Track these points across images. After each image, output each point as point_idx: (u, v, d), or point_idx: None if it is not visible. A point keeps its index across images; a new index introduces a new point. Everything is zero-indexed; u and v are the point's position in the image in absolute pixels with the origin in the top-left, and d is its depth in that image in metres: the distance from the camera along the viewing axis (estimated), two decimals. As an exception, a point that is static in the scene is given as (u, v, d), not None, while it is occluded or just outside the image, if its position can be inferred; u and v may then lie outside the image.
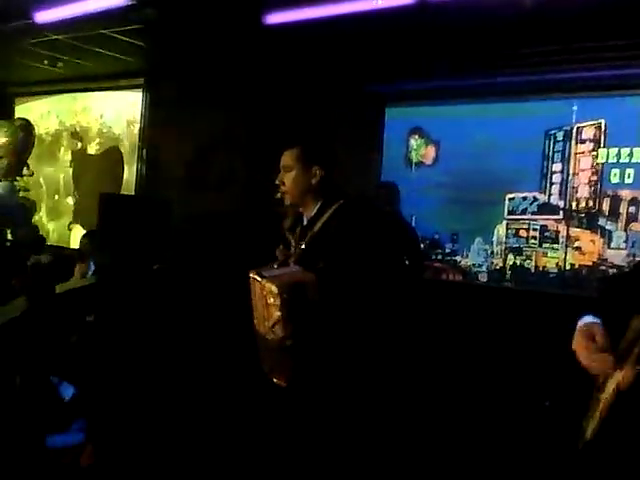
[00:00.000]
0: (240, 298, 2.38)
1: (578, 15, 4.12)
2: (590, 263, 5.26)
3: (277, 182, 2.39)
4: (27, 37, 5.60)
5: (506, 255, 5.66)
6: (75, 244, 6.69)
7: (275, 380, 2.17)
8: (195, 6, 4.67)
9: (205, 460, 3.28)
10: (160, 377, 3.56)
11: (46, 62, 6.37)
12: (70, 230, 7.55)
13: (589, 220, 5.29)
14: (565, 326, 1.62)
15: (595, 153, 5.26)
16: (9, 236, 5.56)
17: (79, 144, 7.58)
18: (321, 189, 2.34)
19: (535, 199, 5.53)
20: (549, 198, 5.48)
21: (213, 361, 4.26)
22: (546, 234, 5.48)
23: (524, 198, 5.57)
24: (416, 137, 6.21)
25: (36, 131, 6.36)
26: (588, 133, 5.31)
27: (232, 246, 5.57)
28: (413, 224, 5.51)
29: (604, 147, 5.22)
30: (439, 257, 5.99)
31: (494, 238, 5.72)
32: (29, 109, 7.89)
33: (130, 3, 4.60)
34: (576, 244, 5.34)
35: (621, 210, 5.14)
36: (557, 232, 5.43)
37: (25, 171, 6.02)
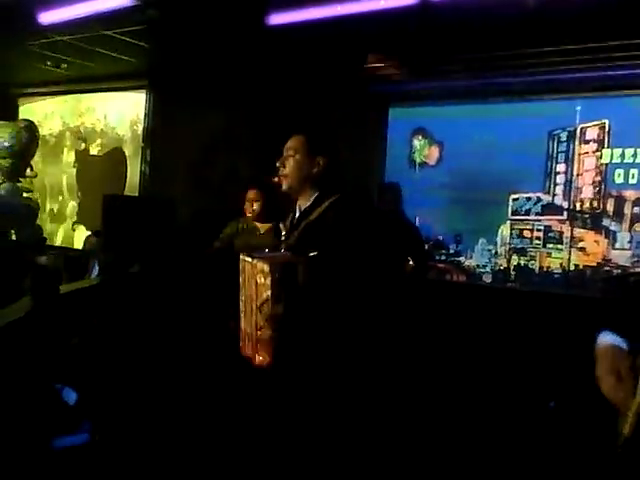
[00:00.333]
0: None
1: (582, 15, 4.11)
2: (594, 264, 5.25)
3: (278, 164, 2.37)
4: (31, 38, 5.61)
5: (510, 256, 5.66)
6: (79, 245, 6.70)
7: (259, 359, 2.12)
8: (198, 7, 4.68)
9: (205, 460, 3.28)
10: (161, 377, 3.56)
11: (50, 63, 6.38)
12: (74, 231, 7.56)
13: (593, 221, 5.28)
14: (569, 327, 1.61)
15: (599, 153, 5.26)
16: (13, 237, 5.57)
17: (83, 145, 7.59)
18: (320, 180, 2.33)
19: (539, 200, 5.52)
20: (553, 198, 5.48)
21: (214, 361, 4.26)
22: (550, 235, 5.47)
23: (528, 199, 5.57)
24: (420, 137, 6.21)
25: (40, 132, 6.36)
26: (592, 133, 5.30)
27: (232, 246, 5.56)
28: (417, 225, 5.50)
29: (608, 147, 5.21)
30: (443, 258, 5.99)
31: (498, 239, 5.71)
32: (33, 110, 7.91)
33: (134, 4, 4.61)
34: (580, 245, 5.33)
35: (625, 210, 5.13)
36: (561, 233, 5.42)
37: (29, 172, 6.01)
